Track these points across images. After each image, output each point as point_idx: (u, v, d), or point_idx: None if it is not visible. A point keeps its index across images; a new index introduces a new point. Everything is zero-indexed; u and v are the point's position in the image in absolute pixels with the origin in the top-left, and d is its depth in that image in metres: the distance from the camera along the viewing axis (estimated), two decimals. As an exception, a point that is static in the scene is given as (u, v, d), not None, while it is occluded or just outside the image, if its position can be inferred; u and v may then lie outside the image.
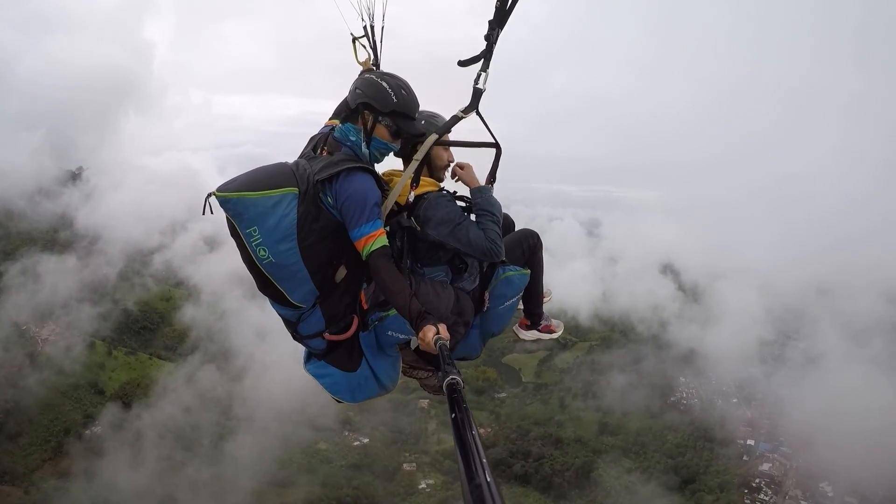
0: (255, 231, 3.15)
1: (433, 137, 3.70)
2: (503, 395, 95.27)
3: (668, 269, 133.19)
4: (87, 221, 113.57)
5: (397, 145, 3.71)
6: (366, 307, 3.81)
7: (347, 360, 3.77)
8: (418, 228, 3.80)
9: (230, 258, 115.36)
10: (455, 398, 2.18)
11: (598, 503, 69.59)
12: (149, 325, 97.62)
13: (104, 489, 62.74)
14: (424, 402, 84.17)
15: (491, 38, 3.38)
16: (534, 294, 4.61)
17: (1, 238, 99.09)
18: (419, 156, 3.72)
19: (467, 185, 3.99)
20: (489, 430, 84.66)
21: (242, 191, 3.11)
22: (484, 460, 1.61)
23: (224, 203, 3.11)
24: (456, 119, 3.73)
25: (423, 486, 72.85)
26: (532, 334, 4.91)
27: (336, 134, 3.65)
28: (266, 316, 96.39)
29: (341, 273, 3.46)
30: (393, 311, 3.72)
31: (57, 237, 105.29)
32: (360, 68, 4.24)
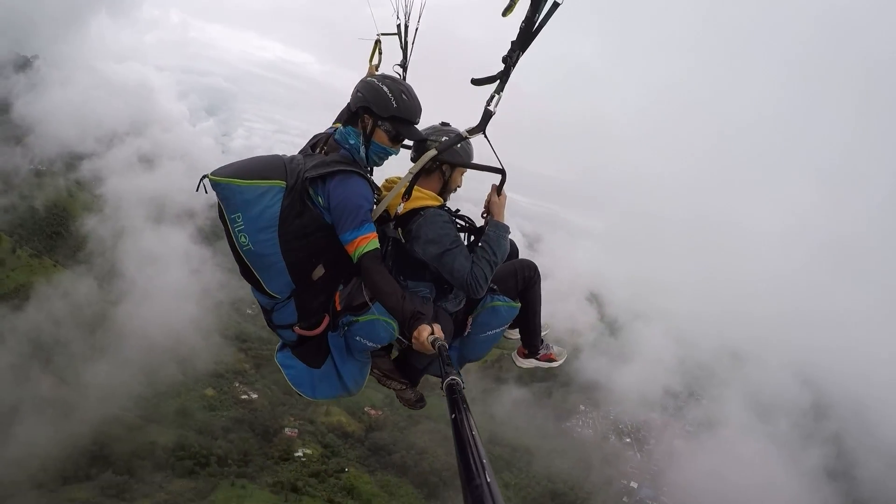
0: (238, 217, 3.21)
1: (431, 153, 3.63)
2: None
3: (595, 299, 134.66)
4: (24, 111, 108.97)
5: (397, 150, 3.66)
6: (339, 309, 3.74)
7: (314, 357, 3.81)
8: (402, 241, 3.73)
9: (158, 183, 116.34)
10: (455, 399, 2.16)
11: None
12: (61, 230, 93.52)
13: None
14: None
15: (510, 61, 3.17)
16: (531, 326, 4.52)
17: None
18: (414, 169, 3.69)
19: (492, 215, 3.76)
20: (380, 412, 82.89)
21: (233, 177, 3.18)
22: (484, 461, 1.61)
23: (215, 186, 3.17)
24: (459, 138, 3.57)
25: (300, 454, 71.04)
26: (530, 363, 4.76)
27: (336, 136, 3.62)
28: (162, 247, 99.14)
29: (319, 272, 3.47)
30: (363, 318, 3.65)
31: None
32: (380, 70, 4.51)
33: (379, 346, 3.81)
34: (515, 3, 2.82)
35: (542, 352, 4.73)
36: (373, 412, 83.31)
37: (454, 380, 2.36)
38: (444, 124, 3.85)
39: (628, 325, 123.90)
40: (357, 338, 3.72)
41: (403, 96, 3.45)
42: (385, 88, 3.44)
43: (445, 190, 3.93)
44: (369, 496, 64.82)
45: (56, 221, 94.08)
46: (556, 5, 2.89)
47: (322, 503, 61.38)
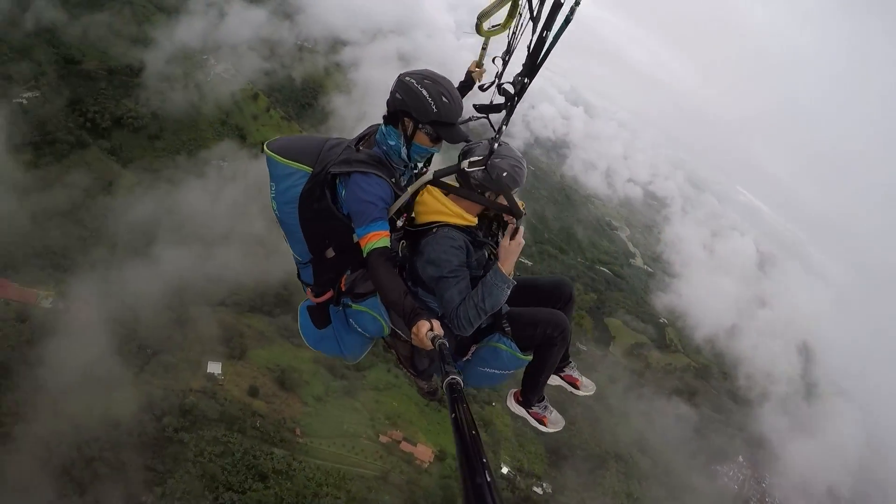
0: (273, 187, 3.73)
1: (426, 178, 3.65)
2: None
3: (805, 352, 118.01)
4: None
5: (439, 148, 3.66)
6: (343, 289, 3.96)
7: (317, 319, 4.19)
8: (404, 254, 3.81)
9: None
10: (455, 398, 2.17)
11: None
12: (311, 102, 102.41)
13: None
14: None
15: (517, 89, 3.27)
16: (534, 380, 4.28)
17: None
18: (410, 189, 3.64)
19: (500, 261, 3.51)
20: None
21: (275, 153, 3.65)
22: (484, 460, 1.63)
23: (266, 156, 3.69)
24: (456, 168, 3.64)
25: None
26: (520, 410, 4.55)
27: (377, 134, 3.65)
28: None
29: (330, 252, 3.79)
30: (357, 307, 3.94)
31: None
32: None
33: (370, 336, 4.13)
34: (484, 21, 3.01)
35: (534, 408, 4.48)
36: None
37: (454, 379, 2.36)
38: (491, 140, 3.53)
39: (827, 397, 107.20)
40: (351, 321, 4.05)
41: (444, 98, 3.40)
42: (424, 92, 3.37)
43: (494, 213, 3.82)
44: (501, 435, 63.82)
45: (309, 94, 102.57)
46: (559, 35, 2.94)
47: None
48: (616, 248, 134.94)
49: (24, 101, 67.94)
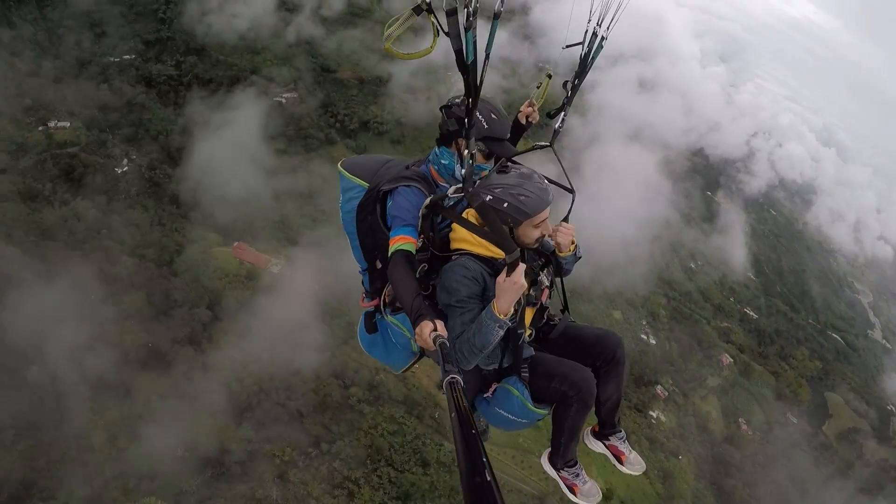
0: (341, 196, 4.09)
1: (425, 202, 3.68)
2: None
3: None
4: (541, 17, 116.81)
5: (490, 164, 3.75)
6: (386, 301, 4.05)
7: (368, 325, 4.24)
8: (421, 274, 3.71)
9: (648, 109, 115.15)
10: (455, 397, 2.19)
11: None
12: (545, 121, 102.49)
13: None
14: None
15: (571, 86, 4.21)
16: (555, 437, 3.99)
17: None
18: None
19: (496, 298, 3.27)
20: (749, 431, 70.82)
21: (344, 168, 4.05)
22: (484, 459, 1.64)
23: (338, 171, 4.08)
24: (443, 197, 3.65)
25: (654, 415, 65.74)
26: (551, 471, 4.22)
27: (430, 155, 3.89)
28: (626, 166, 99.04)
29: (378, 264, 3.96)
30: (390, 318, 3.96)
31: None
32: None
33: (405, 348, 4.09)
34: (392, 40, 2.88)
35: (563, 472, 4.08)
36: (745, 427, 72.21)
37: (454, 378, 2.40)
38: (498, 166, 3.68)
39: None
40: (388, 331, 4.07)
41: (493, 115, 3.62)
42: (476, 111, 3.45)
43: (517, 240, 3.56)
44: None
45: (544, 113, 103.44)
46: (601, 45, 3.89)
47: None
48: (854, 315, 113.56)
49: (283, 101, 78.07)
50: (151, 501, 39.52)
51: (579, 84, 4.18)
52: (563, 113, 4.36)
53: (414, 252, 3.55)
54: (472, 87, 2.84)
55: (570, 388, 3.62)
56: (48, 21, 73.83)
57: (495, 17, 2.69)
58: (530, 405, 3.74)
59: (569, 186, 4.07)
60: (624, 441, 4.20)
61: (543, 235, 3.60)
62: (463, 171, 3.31)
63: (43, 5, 74.68)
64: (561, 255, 3.80)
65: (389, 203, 3.70)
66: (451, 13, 2.57)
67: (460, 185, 3.49)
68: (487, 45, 2.83)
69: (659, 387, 69.91)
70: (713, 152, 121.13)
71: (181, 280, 54.33)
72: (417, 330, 3.17)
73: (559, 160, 4.12)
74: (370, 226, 3.84)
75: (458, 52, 2.70)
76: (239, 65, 79.28)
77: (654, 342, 76.78)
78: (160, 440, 42.70)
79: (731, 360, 79.82)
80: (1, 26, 70.05)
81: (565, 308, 4.21)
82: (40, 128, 62.85)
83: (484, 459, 1.60)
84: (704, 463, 65.71)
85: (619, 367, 3.92)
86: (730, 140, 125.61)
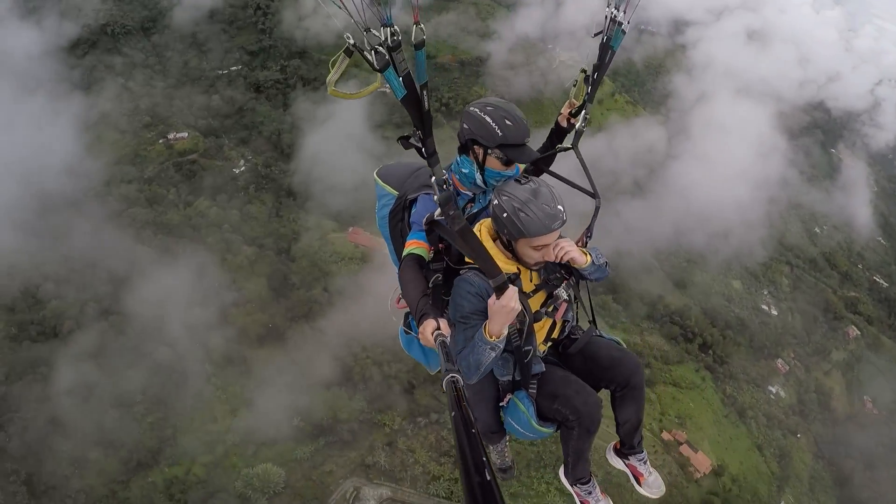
0: (377, 202, 4.20)
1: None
2: None
3: None
4: None
5: (512, 170, 3.64)
6: None
7: (406, 324, 4.24)
8: (435, 284, 3.67)
9: (757, 61, 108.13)
10: (455, 396, 2.19)
11: None
12: (651, 84, 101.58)
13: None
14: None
15: (591, 80, 3.93)
16: (567, 455, 4.03)
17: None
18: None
19: (488, 320, 3.29)
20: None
21: (378, 177, 4.19)
22: (484, 458, 1.63)
23: (374, 179, 4.21)
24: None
25: (773, 390, 63.80)
26: (566, 483, 4.29)
27: (452, 164, 3.82)
28: (735, 122, 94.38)
29: None
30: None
31: None
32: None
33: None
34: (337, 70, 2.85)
35: (577, 487, 4.19)
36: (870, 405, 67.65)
37: (454, 377, 2.38)
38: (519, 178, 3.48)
39: None
40: (416, 336, 3.91)
41: (507, 121, 3.45)
42: (488, 118, 3.45)
43: (518, 259, 3.55)
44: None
45: (650, 75, 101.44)
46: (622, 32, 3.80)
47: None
48: None
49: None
50: (268, 467, 43.56)
51: (601, 76, 3.92)
52: (584, 111, 4.03)
53: (426, 257, 3.60)
54: (416, 118, 2.98)
55: (572, 412, 3.59)
56: (156, 46, 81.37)
57: (417, 48, 2.79)
58: (534, 423, 3.73)
59: (592, 191, 3.88)
60: (644, 462, 4.22)
61: (544, 260, 3.49)
62: (482, 178, 3.55)
63: (149, 33, 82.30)
64: (577, 266, 3.59)
65: (413, 210, 3.79)
66: (379, 53, 2.70)
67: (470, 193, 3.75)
68: (419, 74, 2.90)
69: (780, 360, 67.05)
70: (834, 105, 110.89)
71: (298, 265, 59.05)
72: (420, 329, 3.22)
73: (583, 164, 3.93)
74: (400, 231, 3.94)
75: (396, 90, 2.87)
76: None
77: (775, 313, 73.39)
78: (277, 411, 46.77)
79: (858, 332, 74.23)
80: (112, 55, 77.70)
81: (592, 321, 4.08)
82: (160, 140, 69.71)
83: (484, 459, 1.61)
84: (824, 442, 62.40)
85: (636, 391, 3.82)
86: (852, 90, 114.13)
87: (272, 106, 78.03)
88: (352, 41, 2.71)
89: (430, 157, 3.06)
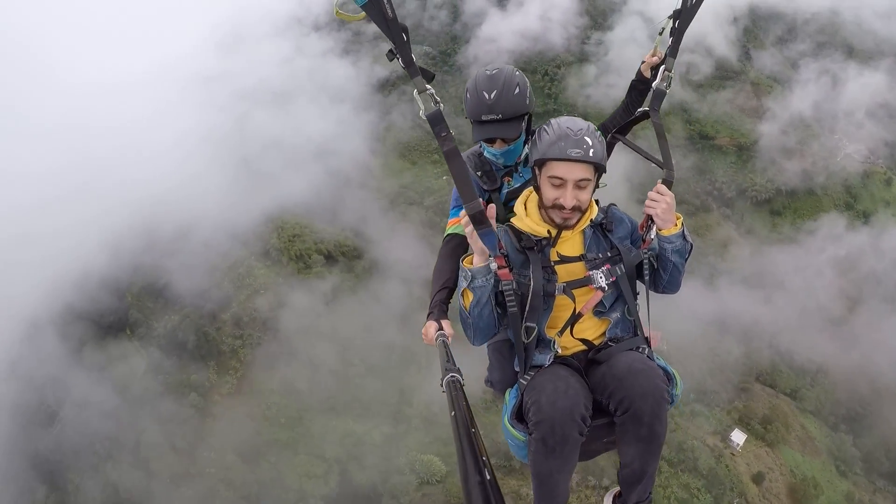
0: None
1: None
2: None
3: None
4: None
5: (497, 148, 3.48)
6: None
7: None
8: None
9: None
10: (455, 396, 2.16)
11: None
12: None
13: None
14: None
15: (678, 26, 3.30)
16: (533, 480, 2.94)
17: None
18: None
19: None
20: None
21: None
22: (484, 458, 1.62)
23: None
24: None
25: None
26: None
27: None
28: None
29: None
30: None
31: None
32: None
33: None
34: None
35: None
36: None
37: (454, 377, 2.35)
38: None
39: None
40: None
41: (467, 94, 3.32)
42: (467, 92, 3.33)
43: (543, 205, 3.13)
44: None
45: None
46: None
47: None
48: None
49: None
50: (433, 459, 46.77)
51: (687, 22, 3.26)
52: (662, 66, 3.35)
53: (457, 234, 3.40)
54: (383, 27, 2.58)
55: (534, 411, 2.75)
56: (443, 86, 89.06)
57: None
58: (506, 419, 3.06)
59: (661, 162, 3.23)
60: None
61: (560, 205, 2.98)
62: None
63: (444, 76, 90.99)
64: (662, 233, 3.03)
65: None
66: None
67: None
68: None
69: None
70: None
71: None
72: (424, 329, 3.11)
73: (658, 130, 3.27)
74: None
75: None
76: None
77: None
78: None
79: None
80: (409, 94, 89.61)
81: (634, 329, 3.21)
82: (444, 178, 76.82)
83: (484, 459, 1.58)
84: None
85: (641, 427, 2.74)
86: None
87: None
88: None
89: (408, 67, 2.69)
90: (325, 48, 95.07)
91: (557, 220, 3.05)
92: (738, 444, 53.36)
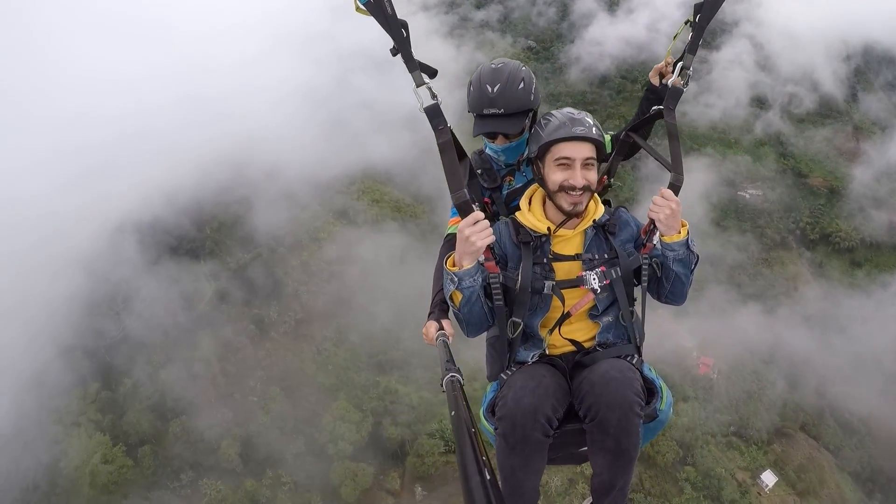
0: None
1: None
2: None
3: None
4: None
5: (497, 145, 3.38)
6: None
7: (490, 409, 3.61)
8: None
9: None
10: (454, 396, 2.16)
11: None
12: None
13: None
14: None
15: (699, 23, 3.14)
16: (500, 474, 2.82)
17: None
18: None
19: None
20: None
21: None
22: (484, 458, 1.63)
23: None
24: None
25: None
26: None
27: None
28: None
29: None
30: None
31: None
32: None
33: None
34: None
35: None
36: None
37: (454, 376, 2.36)
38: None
39: None
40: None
41: (470, 87, 3.23)
42: (471, 84, 3.23)
43: (549, 192, 3.03)
44: None
45: None
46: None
47: None
48: None
49: (747, 196, 79.14)
50: None
51: (709, 17, 3.12)
52: (679, 63, 3.23)
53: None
54: (383, 24, 2.69)
55: (500, 406, 2.71)
56: (550, 95, 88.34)
57: None
58: (481, 411, 3.00)
59: (669, 164, 3.07)
60: None
61: (569, 186, 2.90)
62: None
63: (547, 82, 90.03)
64: (664, 240, 2.93)
65: None
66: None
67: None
68: None
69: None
70: None
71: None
72: (424, 329, 3.11)
73: (671, 131, 3.14)
74: None
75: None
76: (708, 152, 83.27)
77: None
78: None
79: None
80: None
81: (631, 338, 3.08)
82: None
83: (483, 459, 1.58)
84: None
85: (606, 438, 2.63)
86: None
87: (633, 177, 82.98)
88: None
89: (407, 62, 2.74)
90: (431, 28, 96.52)
91: (566, 207, 2.95)
92: (767, 486, 52.35)
